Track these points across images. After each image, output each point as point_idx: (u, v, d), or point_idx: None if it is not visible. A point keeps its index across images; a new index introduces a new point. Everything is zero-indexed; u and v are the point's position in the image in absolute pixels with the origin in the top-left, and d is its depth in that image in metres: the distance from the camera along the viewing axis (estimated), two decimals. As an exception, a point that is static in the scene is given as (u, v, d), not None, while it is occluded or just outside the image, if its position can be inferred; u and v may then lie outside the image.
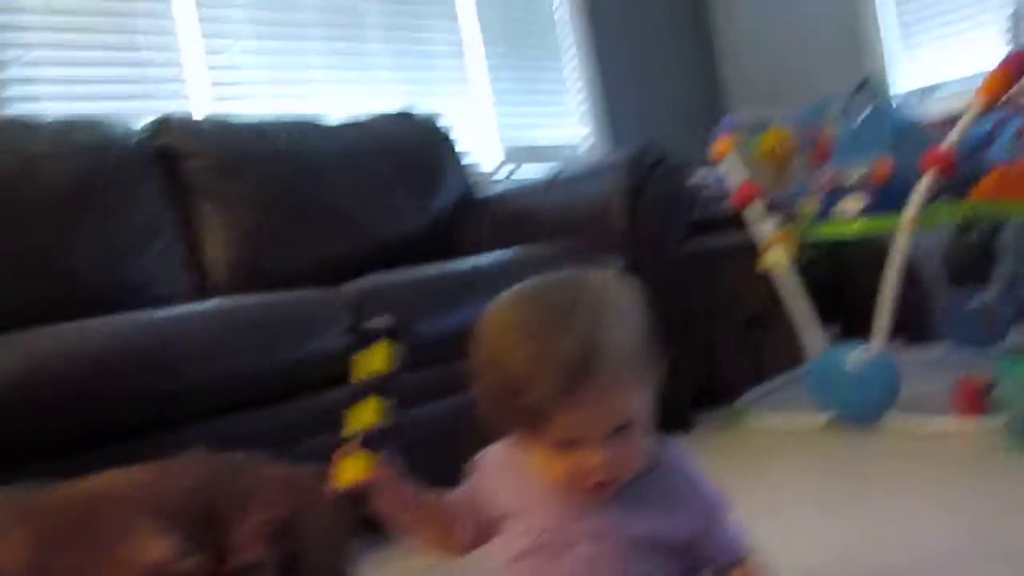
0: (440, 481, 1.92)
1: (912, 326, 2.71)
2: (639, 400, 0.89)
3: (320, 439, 1.71)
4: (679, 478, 0.97)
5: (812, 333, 2.31)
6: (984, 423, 1.95)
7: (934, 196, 2.10)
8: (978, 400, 2.02)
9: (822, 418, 2.20)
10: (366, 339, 0.98)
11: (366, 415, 0.96)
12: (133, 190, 2.24)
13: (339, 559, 1.32)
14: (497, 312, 0.93)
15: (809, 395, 2.24)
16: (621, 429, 0.87)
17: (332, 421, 1.72)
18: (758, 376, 2.73)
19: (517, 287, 0.95)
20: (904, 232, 2.08)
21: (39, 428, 1.47)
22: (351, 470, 0.97)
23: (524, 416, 0.87)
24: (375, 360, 0.97)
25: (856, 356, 2.15)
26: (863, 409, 2.11)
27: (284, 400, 1.73)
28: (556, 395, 0.83)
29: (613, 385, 0.85)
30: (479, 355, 0.91)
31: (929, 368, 2.60)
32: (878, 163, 2.13)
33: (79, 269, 2.07)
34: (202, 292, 2.29)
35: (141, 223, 2.23)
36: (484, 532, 1.03)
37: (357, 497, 0.97)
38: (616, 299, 0.90)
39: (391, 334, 0.99)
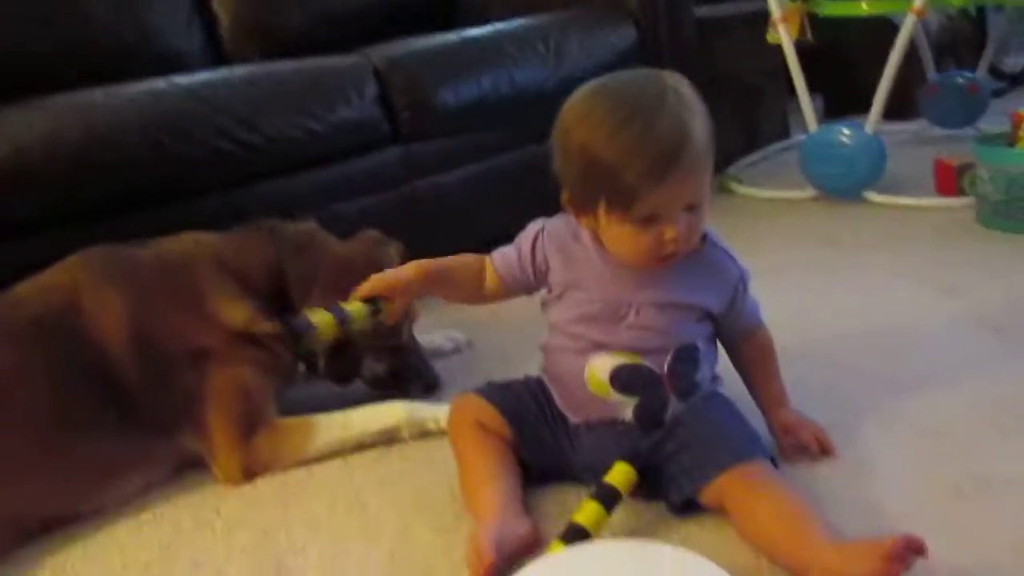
0: (462, 239, 2.08)
1: (895, 101, 2.81)
2: (707, 182, 1.03)
3: (349, 205, 1.84)
4: (717, 254, 1.13)
5: (809, 110, 2.41)
6: (957, 203, 2.14)
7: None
8: (953, 181, 2.20)
9: (810, 189, 2.37)
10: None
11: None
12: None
13: (390, 333, 1.46)
14: (585, 102, 1.02)
15: (800, 166, 2.38)
16: (693, 207, 1.02)
17: (359, 187, 1.85)
18: (749, 146, 2.86)
19: (596, 81, 1.05)
20: (914, 14, 2.13)
21: (94, 192, 1.55)
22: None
23: (616, 195, 0.99)
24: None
25: (849, 134, 2.27)
26: (849, 182, 2.28)
27: (316, 167, 1.83)
28: (650, 176, 0.96)
29: (695, 168, 0.99)
30: (569, 141, 1.02)
31: (909, 144, 2.76)
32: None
33: (93, 13, 2.07)
34: (211, 46, 2.31)
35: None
36: (517, 291, 1.20)
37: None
38: (688, 93, 1.01)
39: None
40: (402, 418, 1.35)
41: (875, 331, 1.53)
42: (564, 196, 1.08)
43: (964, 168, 2.16)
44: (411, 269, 1.18)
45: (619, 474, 1.03)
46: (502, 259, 1.17)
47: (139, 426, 1.26)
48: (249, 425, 1.30)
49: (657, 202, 0.98)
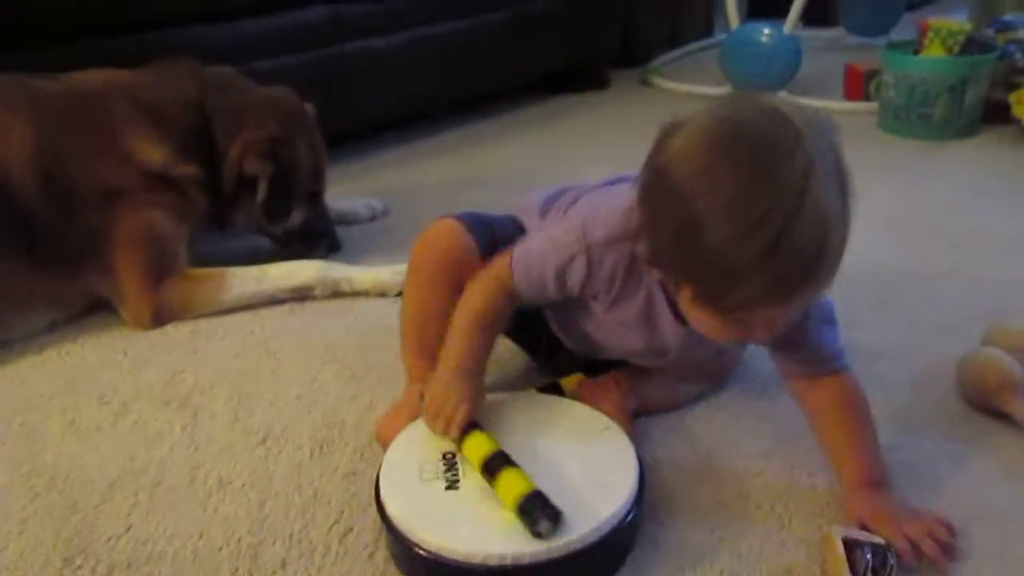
0: (387, 107, 2.05)
1: (815, 7, 2.86)
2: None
3: (270, 62, 1.78)
4: None
5: (732, 5, 2.43)
6: (863, 107, 2.23)
7: None
8: (861, 85, 2.28)
9: (727, 87, 2.42)
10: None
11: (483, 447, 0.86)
12: None
13: (319, 173, 1.48)
14: (711, 162, 0.72)
15: (719, 63, 2.42)
16: None
17: (283, 44, 1.80)
18: (673, 42, 2.88)
19: (726, 120, 0.74)
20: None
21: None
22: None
23: (712, 295, 0.76)
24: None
25: (769, 33, 2.32)
26: (765, 82, 2.33)
27: (237, 18, 1.76)
28: (765, 296, 0.73)
29: (823, 285, 0.75)
30: (675, 205, 0.74)
31: (824, 50, 2.83)
32: None
33: None
34: None
35: None
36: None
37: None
38: (831, 159, 0.73)
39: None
40: (316, 276, 1.36)
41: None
42: (642, 247, 0.81)
43: (872, 74, 2.24)
44: (474, 384, 0.91)
45: (572, 380, 1.05)
46: (527, 282, 0.91)
47: (45, 262, 1.23)
48: (160, 271, 1.29)
49: (762, 317, 0.77)
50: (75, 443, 1.02)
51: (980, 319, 1.15)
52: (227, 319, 1.31)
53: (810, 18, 2.83)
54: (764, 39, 2.32)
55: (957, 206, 1.64)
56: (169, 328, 1.29)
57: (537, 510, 0.77)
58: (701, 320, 0.80)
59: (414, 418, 0.94)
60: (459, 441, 0.86)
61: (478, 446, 0.85)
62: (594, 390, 1.01)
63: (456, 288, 0.96)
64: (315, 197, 1.49)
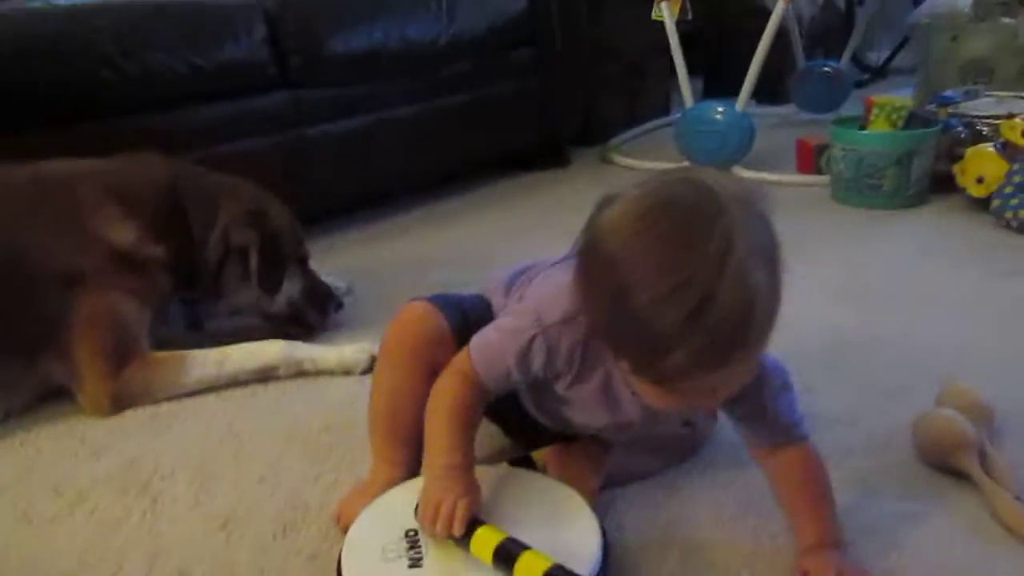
0: (349, 189, 2.08)
1: (768, 86, 2.98)
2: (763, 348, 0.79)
3: (233, 146, 1.82)
4: None
5: (686, 86, 2.53)
6: (815, 180, 2.30)
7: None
8: (812, 159, 2.36)
9: (684, 163, 2.48)
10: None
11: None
12: None
13: (300, 238, 1.52)
14: (637, 233, 0.74)
15: (675, 141, 2.50)
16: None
17: (245, 129, 1.84)
18: (631, 120, 2.97)
19: (652, 196, 0.77)
20: (783, 2, 2.27)
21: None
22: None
23: (646, 367, 0.77)
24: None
25: (722, 111, 2.40)
26: (720, 158, 2.40)
27: (200, 103, 1.80)
28: (695, 367, 0.73)
29: (753, 352, 0.77)
30: (604, 275, 0.76)
31: (777, 126, 2.93)
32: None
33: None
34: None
35: None
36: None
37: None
38: (759, 235, 0.75)
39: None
40: (280, 356, 1.36)
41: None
42: (583, 320, 0.84)
43: (822, 148, 2.32)
44: (467, 479, 0.88)
45: (543, 453, 1.04)
46: (490, 375, 0.92)
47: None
48: (120, 356, 1.27)
49: (701, 386, 0.77)
50: (28, 536, 1.00)
51: (933, 380, 1.17)
52: (188, 401, 1.30)
53: (763, 96, 2.95)
54: (718, 117, 2.40)
55: (908, 272, 1.69)
56: (129, 413, 1.27)
57: None
58: (646, 391, 0.81)
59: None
60: (465, 539, 0.82)
61: (486, 541, 0.82)
62: (563, 462, 1.01)
63: (430, 369, 0.96)
64: (304, 263, 1.52)
